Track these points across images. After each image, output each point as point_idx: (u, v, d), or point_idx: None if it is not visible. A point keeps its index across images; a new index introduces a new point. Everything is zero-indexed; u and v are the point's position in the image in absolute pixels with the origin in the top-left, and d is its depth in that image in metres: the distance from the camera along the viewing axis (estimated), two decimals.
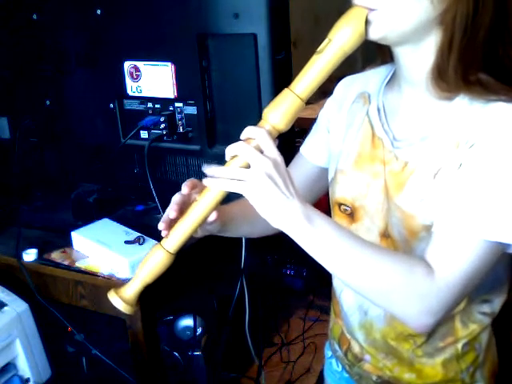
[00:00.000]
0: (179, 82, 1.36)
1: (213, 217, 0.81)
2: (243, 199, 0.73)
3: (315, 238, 0.73)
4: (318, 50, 0.76)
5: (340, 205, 0.95)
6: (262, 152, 0.73)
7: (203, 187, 0.78)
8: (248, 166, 0.73)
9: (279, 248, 2.03)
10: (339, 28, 0.75)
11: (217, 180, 0.74)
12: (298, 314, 2.06)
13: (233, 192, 0.74)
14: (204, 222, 0.80)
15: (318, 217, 0.74)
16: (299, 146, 1.07)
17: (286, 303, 2.09)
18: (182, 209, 0.81)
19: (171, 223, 0.80)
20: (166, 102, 1.39)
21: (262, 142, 0.73)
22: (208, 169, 0.74)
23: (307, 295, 2.11)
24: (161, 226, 0.81)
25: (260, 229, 1.02)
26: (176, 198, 0.83)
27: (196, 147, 1.40)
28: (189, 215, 0.78)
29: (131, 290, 0.80)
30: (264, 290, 1.82)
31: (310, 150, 1.04)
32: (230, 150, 0.74)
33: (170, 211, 0.81)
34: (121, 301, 0.79)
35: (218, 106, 1.35)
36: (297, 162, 1.05)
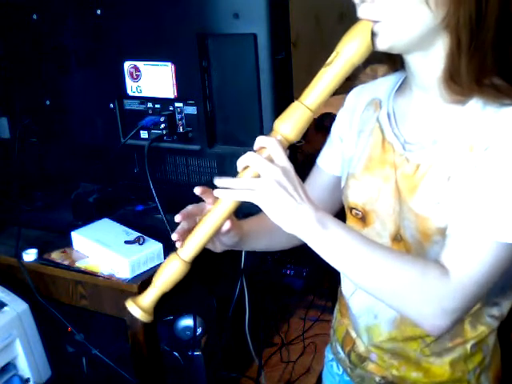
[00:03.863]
0: (179, 81, 1.36)
1: (226, 226, 0.83)
2: (262, 213, 0.75)
3: (328, 241, 0.74)
4: (327, 62, 0.77)
5: (352, 209, 0.96)
6: (272, 161, 0.74)
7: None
8: (259, 177, 0.74)
9: None
10: (347, 41, 0.77)
11: (227, 191, 0.75)
12: (298, 314, 2.06)
13: (245, 202, 0.75)
14: (218, 231, 0.81)
15: (330, 221, 0.75)
16: (300, 146, 1.07)
17: (285, 303, 2.09)
18: (195, 219, 0.84)
19: (184, 234, 0.83)
20: (165, 102, 1.39)
21: (272, 151, 0.74)
22: (218, 180, 0.76)
23: (307, 295, 2.11)
24: (174, 236, 0.83)
25: (279, 241, 1.05)
26: (189, 208, 0.86)
27: (196, 147, 1.40)
28: (202, 225, 0.80)
29: (148, 299, 0.81)
30: (264, 289, 1.82)
31: (326, 160, 1.06)
32: (241, 162, 0.76)
33: (183, 222, 0.85)
34: (139, 309, 0.80)
35: (218, 105, 1.35)
36: (314, 173, 1.07)
